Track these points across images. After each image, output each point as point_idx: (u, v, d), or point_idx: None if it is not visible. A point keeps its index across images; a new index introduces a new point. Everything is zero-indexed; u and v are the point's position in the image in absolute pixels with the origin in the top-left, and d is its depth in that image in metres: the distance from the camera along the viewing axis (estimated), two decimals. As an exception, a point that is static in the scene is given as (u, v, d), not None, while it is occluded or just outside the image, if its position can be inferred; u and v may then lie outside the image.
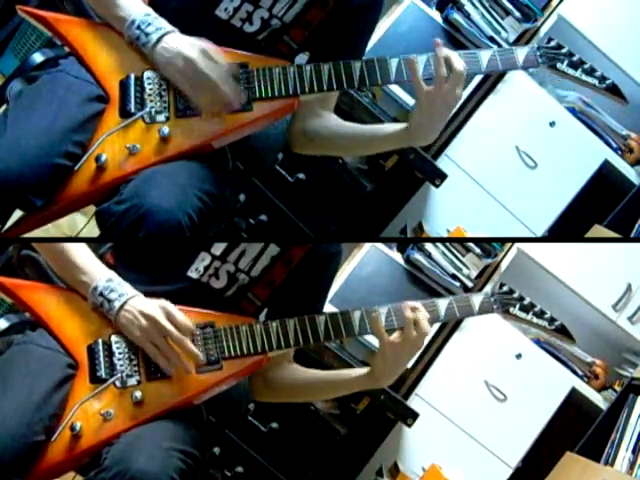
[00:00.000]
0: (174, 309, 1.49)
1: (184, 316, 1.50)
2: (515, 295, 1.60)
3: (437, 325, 2.55)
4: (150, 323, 1.48)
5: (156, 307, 1.49)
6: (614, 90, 1.63)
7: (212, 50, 1.52)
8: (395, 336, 1.53)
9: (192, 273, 1.58)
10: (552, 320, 1.61)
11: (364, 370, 1.61)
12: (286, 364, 1.68)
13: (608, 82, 1.62)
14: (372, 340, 2.59)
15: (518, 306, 1.60)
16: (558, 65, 1.61)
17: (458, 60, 1.52)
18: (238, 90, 1.54)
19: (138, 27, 1.53)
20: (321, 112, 1.74)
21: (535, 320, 1.60)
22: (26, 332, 1.57)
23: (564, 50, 1.61)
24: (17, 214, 1.57)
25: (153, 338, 1.48)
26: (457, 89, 1.53)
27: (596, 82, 1.62)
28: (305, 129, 1.75)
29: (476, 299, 1.59)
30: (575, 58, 1.61)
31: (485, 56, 1.58)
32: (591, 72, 1.61)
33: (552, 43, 1.61)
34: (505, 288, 1.60)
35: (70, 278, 1.55)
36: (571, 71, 1.61)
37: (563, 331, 1.62)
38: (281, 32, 1.65)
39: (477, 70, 1.58)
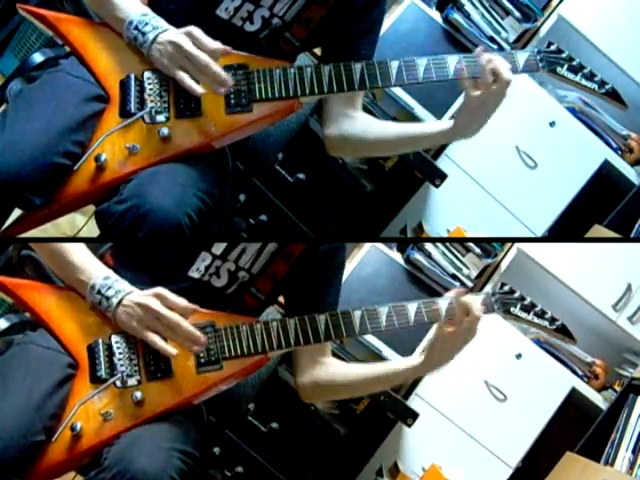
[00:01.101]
0: (168, 293, 1.49)
1: (179, 298, 1.49)
2: (516, 295, 1.60)
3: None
4: (147, 312, 1.48)
5: (149, 296, 1.49)
6: (614, 95, 1.64)
7: (198, 32, 1.52)
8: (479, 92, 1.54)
9: (193, 273, 1.58)
10: (553, 320, 1.61)
11: (446, 124, 1.62)
12: (325, 359, 1.66)
13: (608, 87, 1.63)
14: (372, 340, 2.60)
15: (519, 306, 1.60)
16: (558, 69, 1.62)
17: (505, 69, 1.56)
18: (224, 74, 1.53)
19: (136, 27, 1.53)
20: (351, 113, 1.73)
21: (536, 320, 1.60)
22: (26, 332, 1.57)
23: (564, 54, 1.62)
24: (16, 213, 1.57)
25: (149, 324, 1.48)
26: (504, 92, 1.57)
27: (596, 87, 1.63)
28: (339, 132, 1.73)
29: (477, 299, 1.59)
30: (575, 62, 1.62)
31: None
32: (591, 77, 1.62)
33: (552, 47, 1.62)
34: (506, 288, 1.60)
35: (68, 277, 1.55)
36: (571, 75, 1.62)
37: (564, 331, 1.62)
38: (282, 31, 1.65)
39: (476, 73, 1.59)
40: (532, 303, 1.60)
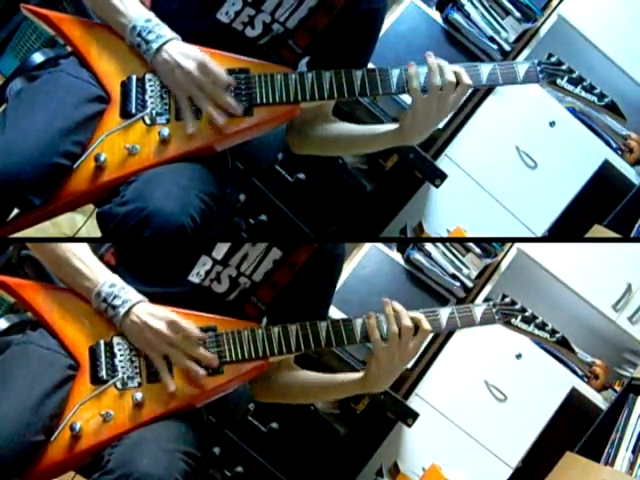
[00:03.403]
0: (181, 321, 1.49)
1: (192, 325, 1.50)
2: (517, 307, 1.61)
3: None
4: (156, 336, 1.48)
5: (162, 322, 1.49)
6: (613, 108, 1.65)
7: (210, 62, 1.52)
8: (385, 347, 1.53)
9: (193, 277, 1.58)
10: (553, 332, 1.62)
11: (357, 375, 1.60)
12: (287, 367, 1.68)
13: (607, 100, 1.64)
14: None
15: (520, 318, 1.60)
16: (558, 81, 1.63)
17: (449, 71, 1.55)
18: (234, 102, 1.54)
19: (139, 34, 1.52)
20: (317, 112, 1.74)
21: (537, 332, 1.61)
22: (26, 332, 1.57)
23: (564, 67, 1.63)
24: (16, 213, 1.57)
25: (159, 348, 1.49)
26: (450, 99, 1.56)
27: (595, 99, 1.63)
28: (302, 130, 1.75)
29: (478, 310, 1.59)
30: (575, 75, 1.63)
31: (485, 70, 1.60)
32: (591, 89, 1.63)
33: (553, 59, 1.63)
34: (507, 299, 1.61)
35: (72, 282, 1.54)
36: (571, 87, 1.63)
37: (564, 343, 1.63)
38: (284, 37, 1.65)
39: (477, 83, 1.60)
40: (533, 315, 1.61)
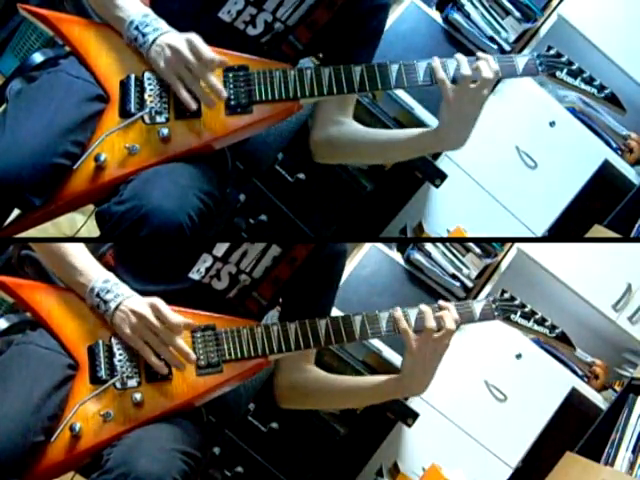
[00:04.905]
0: (164, 306, 1.48)
1: (174, 313, 1.48)
2: (516, 302, 1.61)
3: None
4: (140, 321, 1.47)
5: (145, 305, 1.48)
6: (613, 100, 1.64)
7: (198, 40, 1.52)
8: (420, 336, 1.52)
9: (194, 275, 1.58)
10: (553, 328, 1.62)
11: (393, 375, 1.58)
12: (307, 367, 1.67)
13: (607, 91, 1.64)
14: (373, 341, 2.59)
15: (519, 313, 1.60)
16: (557, 73, 1.62)
17: (486, 66, 1.55)
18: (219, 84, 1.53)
19: (136, 28, 1.53)
20: (342, 119, 1.73)
21: (536, 327, 1.61)
22: (26, 332, 1.57)
23: (563, 59, 1.63)
24: (16, 213, 1.57)
25: (142, 333, 1.48)
26: (484, 90, 1.55)
27: (595, 91, 1.63)
28: (327, 137, 1.74)
29: (477, 306, 1.59)
30: (574, 67, 1.62)
31: None
32: (590, 81, 1.63)
33: (552, 51, 1.63)
34: (506, 295, 1.61)
35: (67, 279, 1.54)
36: (570, 80, 1.62)
37: (564, 339, 1.63)
38: (285, 35, 1.65)
39: (477, 76, 1.59)
40: (532, 310, 1.61)
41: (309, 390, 1.66)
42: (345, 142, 1.73)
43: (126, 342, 1.50)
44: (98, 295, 1.50)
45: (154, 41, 1.52)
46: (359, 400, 1.73)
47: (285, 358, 1.64)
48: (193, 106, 1.51)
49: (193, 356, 1.49)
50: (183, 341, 1.48)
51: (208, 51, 1.50)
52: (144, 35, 1.53)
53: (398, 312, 1.54)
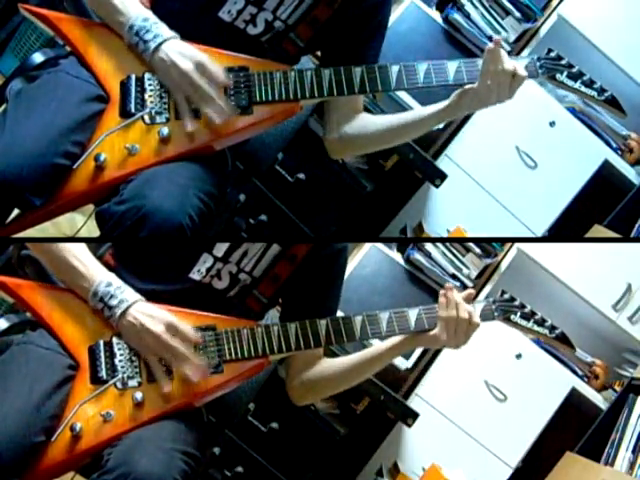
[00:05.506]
0: (178, 323, 1.49)
1: (189, 328, 1.49)
2: (516, 303, 1.61)
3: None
4: (153, 339, 1.48)
5: (160, 325, 1.49)
6: (613, 102, 1.65)
7: (208, 62, 1.52)
8: None
9: (194, 275, 1.58)
10: (553, 328, 1.62)
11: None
12: (317, 361, 1.66)
13: (607, 94, 1.64)
14: (373, 341, 2.59)
15: (519, 314, 1.60)
16: (557, 76, 1.63)
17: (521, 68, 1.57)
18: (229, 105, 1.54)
19: (136, 33, 1.53)
20: (352, 114, 1.73)
21: (536, 328, 1.61)
22: (26, 332, 1.57)
23: (564, 61, 1.63)
24: (16, 213, 1.57)
25: (156, 351, 1.49)
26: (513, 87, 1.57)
27: (595, 94, 1.63)
28: (338, 135, 1.74)
29: (477, 306, 1.59)
30: (574, 70, 1.63)
31: None
32: (590, 84, 1.63)
33: (552, 54, 1.63)
34: (506, 296, 1.61)
35: (69, 282, 1.54)
36: (570, 82, 1.63)
37: (564, 339, 1.63)
38: (285, 33, 1.65)
39: (476, 79, 1.59)
40: (532, 311, 1.61)
41: (325, 378, 1.65)
42: (360, 137, 1.74)
43: (129, 344, 1.50)
44: (101, 300, 1.50)
45: (156, 49, 1.52)
46: (377, 362, 1.69)
47: (295, 362, 1.65)
48: (191, 128, 1.51)
49: (208, 372, 1.50)
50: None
51: (220, 75, 1.51)
52: (145, 42, 1.52)
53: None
